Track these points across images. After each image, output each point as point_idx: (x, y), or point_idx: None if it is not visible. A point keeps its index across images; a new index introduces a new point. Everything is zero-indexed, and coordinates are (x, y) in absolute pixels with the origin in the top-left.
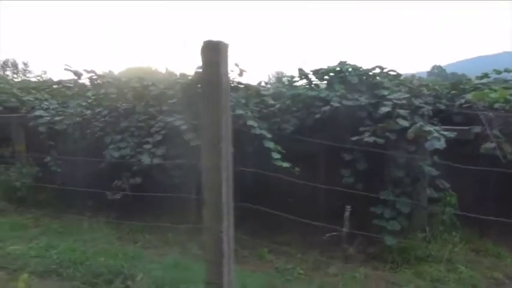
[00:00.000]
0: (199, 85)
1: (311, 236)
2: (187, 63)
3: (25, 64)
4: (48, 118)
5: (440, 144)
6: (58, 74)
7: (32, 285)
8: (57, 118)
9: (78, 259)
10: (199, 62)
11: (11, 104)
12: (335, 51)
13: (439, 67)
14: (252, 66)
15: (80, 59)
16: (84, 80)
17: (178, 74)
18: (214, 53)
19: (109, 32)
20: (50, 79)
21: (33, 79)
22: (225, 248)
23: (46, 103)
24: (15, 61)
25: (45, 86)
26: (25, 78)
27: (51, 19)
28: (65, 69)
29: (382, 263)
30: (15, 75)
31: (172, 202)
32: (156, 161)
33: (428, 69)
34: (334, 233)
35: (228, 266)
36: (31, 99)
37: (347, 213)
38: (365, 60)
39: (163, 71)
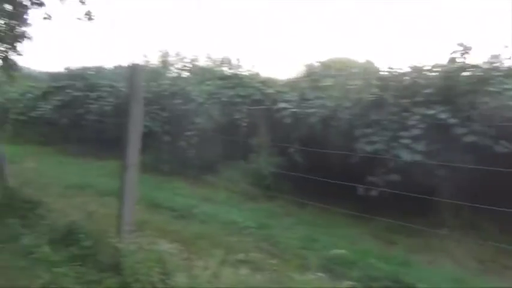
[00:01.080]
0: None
1: None
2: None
3: (238, 60)
4: (292, 110)
5: None
6: (266, 67)
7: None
8: (300, 110)
9: (348, 258)
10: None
11: (256, 97)
12: None
13: None
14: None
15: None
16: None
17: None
18: None
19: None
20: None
21: (245, 73)
22: None
23: (287, 96)
24: (229, 58)
25: (285, 79)
26: (238, 72)
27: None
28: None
29: None
30: (230, 71)
31: (429, 204)
32: (416, 157)
33: None
34: None
35: None
36: (272, 92)
37: None
38: None
39: (363, 62)
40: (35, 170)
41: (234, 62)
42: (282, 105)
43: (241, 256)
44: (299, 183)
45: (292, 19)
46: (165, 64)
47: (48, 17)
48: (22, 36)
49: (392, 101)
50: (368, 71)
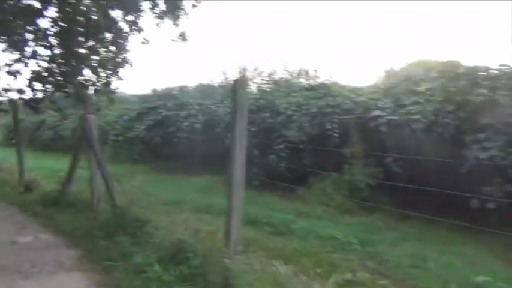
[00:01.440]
0: None
1: None
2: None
3: (315, 71)
4: (387, 118)
5: None
6: (342, 76)
7: None
8: (396, 117)
9: (468, 279)
10: None
11: (346, 106)
12: None
13: None
14: None
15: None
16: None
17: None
18: None
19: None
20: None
21: (330, 82)
22: None
23: (381, 103)
24: (306, 69)
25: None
26: (325, 82)
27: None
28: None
29: None
30: (308, 82)
31: None
32: None
33: None
34: None
35: None
36: (364, 99)
37: None
38: None
39: (446, 61)
40: (138, 188)
41: (311, 72)
42: (376, 112)
43: (348, 276)
44: (398, 194)
45: (361, 27)
46: (244, 79)
47: (146, 42)
48: (123, 62)
49: (506, 101)
50: (474, 70)
